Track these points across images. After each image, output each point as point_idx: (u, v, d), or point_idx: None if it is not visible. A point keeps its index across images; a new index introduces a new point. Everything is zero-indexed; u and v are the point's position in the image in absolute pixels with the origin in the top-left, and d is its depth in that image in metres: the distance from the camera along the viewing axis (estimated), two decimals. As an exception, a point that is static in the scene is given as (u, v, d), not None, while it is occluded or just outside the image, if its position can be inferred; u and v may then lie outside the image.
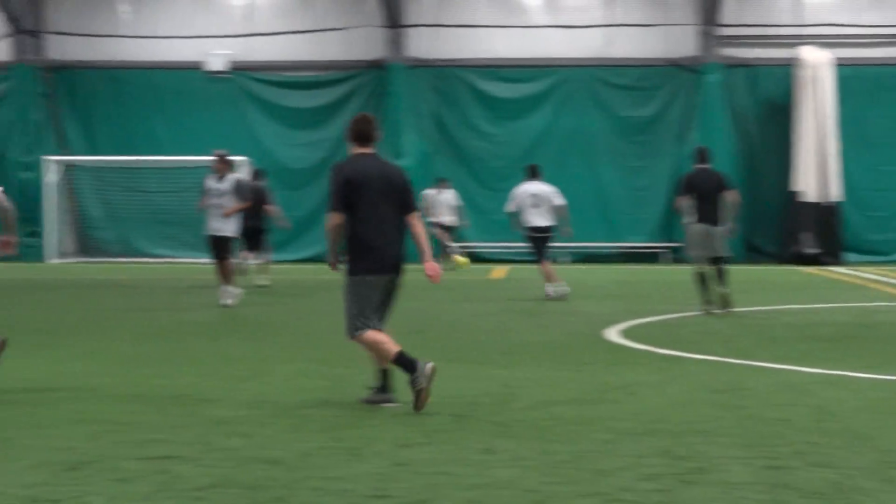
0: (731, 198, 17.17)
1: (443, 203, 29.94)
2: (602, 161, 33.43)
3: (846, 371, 11.47)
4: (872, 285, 23.21)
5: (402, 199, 9.53)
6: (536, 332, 15.22)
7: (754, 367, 11.77)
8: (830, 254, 32.02)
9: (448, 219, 29.90)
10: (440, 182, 30.46)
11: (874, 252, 32.91)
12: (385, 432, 8.42)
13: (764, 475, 7.16)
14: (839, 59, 32.57)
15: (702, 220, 17.19)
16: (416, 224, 9.63)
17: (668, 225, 32.63)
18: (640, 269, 30.32)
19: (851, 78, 32.89)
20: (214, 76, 34.61)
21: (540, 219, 20.17)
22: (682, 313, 17.46)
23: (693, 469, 7.31)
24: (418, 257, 9.65)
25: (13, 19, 34.95)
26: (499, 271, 29.02)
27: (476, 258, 31.41)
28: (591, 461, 7.53)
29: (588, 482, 7.00)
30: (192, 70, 34.64)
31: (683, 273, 22.06)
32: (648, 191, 33.42)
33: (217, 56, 34.56)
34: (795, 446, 7.97)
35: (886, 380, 11.03)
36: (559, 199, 20.29)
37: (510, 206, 20.54)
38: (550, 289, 19.98)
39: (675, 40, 33.71)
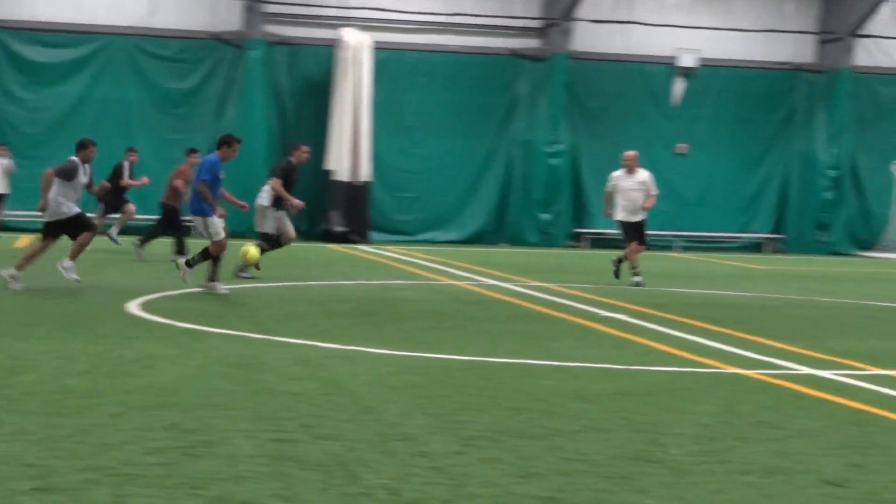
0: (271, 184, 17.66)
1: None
2: (139, 132, 32.83)
3: (361, 346, 11.79)
4: (394, 264, 23.96)
5: None
6: (55, 303, 14.81)
7: (273, 342, 11.91)
8: (358, 232, 32.80)
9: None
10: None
11: (400, 232, 34.00)
12: None
13: (269, 448, 7.25)
14: (378, 42, 33.38)
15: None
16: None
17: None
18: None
19: (389, 61, 33.81)
20: None
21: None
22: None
23: (199, 442, 7.31)
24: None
25: None
26: (23, 240, 28.08)
27: (4, 227, 30.24)
28: (97, 435, 7.40)
29: (91, 456, 6.87)
30: None
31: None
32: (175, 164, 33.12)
33: None
34: (303, 419, 8.12)
35: (397, 355, 11.41)
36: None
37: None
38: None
39: (220, 14, 33.55)
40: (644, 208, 20.59)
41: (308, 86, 33.94)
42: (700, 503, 6.36)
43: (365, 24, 33.73)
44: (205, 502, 6.05)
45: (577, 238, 35.09)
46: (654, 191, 20.64)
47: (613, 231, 34.82)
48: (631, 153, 21.12)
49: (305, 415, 8.28)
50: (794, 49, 36.26)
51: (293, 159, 19.36)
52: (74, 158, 16.89)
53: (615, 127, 35.20)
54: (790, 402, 9.57)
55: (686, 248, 35.09)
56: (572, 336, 13.48)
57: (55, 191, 16.52)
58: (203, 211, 16.77)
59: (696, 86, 35.63)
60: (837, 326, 15.63)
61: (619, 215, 20.72)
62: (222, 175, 17.02)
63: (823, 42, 36.15)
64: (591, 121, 35.22)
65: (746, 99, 35.80)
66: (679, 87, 35.67)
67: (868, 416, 9.04)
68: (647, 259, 29.64)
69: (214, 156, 16.98)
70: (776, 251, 35.81)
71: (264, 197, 19.12)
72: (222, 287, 16.75)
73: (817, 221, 35.78)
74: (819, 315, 17.06)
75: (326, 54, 33.39)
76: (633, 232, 20.68)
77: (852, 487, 6.84)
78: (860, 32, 35.81)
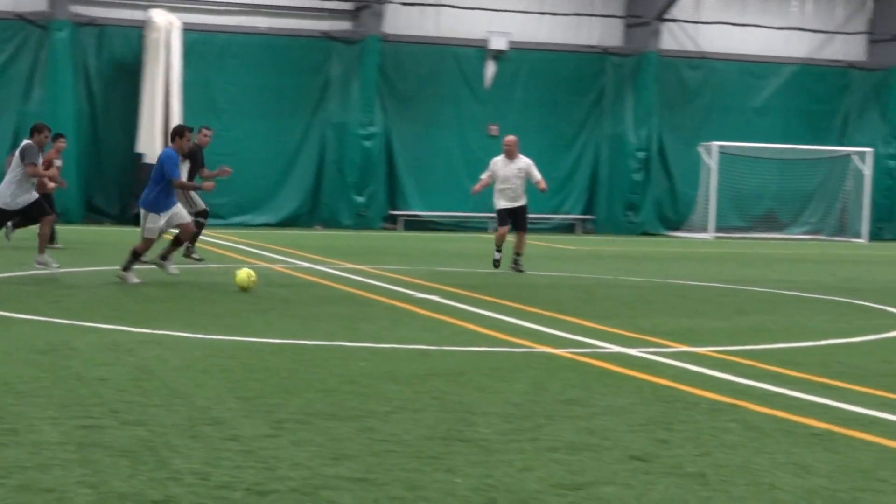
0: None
1: None
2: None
3: (171, 331, 11.64)
4: (207, 247, 23.62)
5: None
6: None
7: (82, 328, 11.68)
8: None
9: None
10: None
11: (213, 215, 33.43)
12: None
13: (76, 435, 7.11)
14: (188, 24, 32.94)
15: None
16: None
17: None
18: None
19: (198, 43, 33.39)
20: None
21: None
22: (13, 272, 17.05)
23: (4, 430, 7.13)
24: None
25: None
26: None
27: None
28: None
29: None
30: None
31: (24, 233, 21.52)
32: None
33: None
34: (111, 405, 7.98)
35: (208, 339, 11.31)
36: None
37: None
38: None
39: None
40: (542, 190, 20.41)
41: (117, 67, 33.34)
42: (508, 481, 6.43)
43: (174, 5, 33.26)
44: (7, 491, 5.90)
45: (392, 220, 35.17)
46: (538, 175, 20.11)
47: (428, 213, 35.10)
48: (511, 138, 20.51)
49: (114, 400, 8.15)
50: (603, 33, 36.87)
51: (196, 142, 19.77)
52: (31, 143, 16.94)
53: (428, 109, 35.38)
54: (599, 380, 9.73)
55: (499, 230, 35.43)
56: (386, 318, 13.51)
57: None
58: (157, 207, 16.21)
59: (508, 69, 35.98)
60: (646, 305, 15.96)
61: (501, 203, 20.12)
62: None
63: (630, 26, 36.83)
64: (405, 103, 35.32)
65: (557, 82, 36.28)
66: (491, 69, 35.98)
67: (674, 393, 9.25)
68: (463, 241, 29.89)
69: (170, 149, 16.61)
70: (587, 232, 36.43)
71: None
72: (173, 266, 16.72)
73: (627, 202, 36.49)
74: (628, 294, 17.40)
75: (135, 35, 32.85)
76: (517, 219, 20.15)
77: (657, 462, 6.99)
78: (666, 17, 36.57)
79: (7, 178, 16.94)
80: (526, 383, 9.41)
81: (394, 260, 22.18)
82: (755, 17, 37.45)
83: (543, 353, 11.19)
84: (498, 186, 20.12)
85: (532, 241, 30.34)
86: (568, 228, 36.67)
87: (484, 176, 20.46)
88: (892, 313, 15.53)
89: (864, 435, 7.88)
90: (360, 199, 34.39)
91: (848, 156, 37.79)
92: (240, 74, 34.14)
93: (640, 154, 36.47)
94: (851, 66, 38.57)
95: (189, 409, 7.97)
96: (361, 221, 34.31)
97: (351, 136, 34.37)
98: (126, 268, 16.15)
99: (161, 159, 16.45)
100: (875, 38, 38.46)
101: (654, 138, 36.72)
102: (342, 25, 34.98)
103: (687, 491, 6.37)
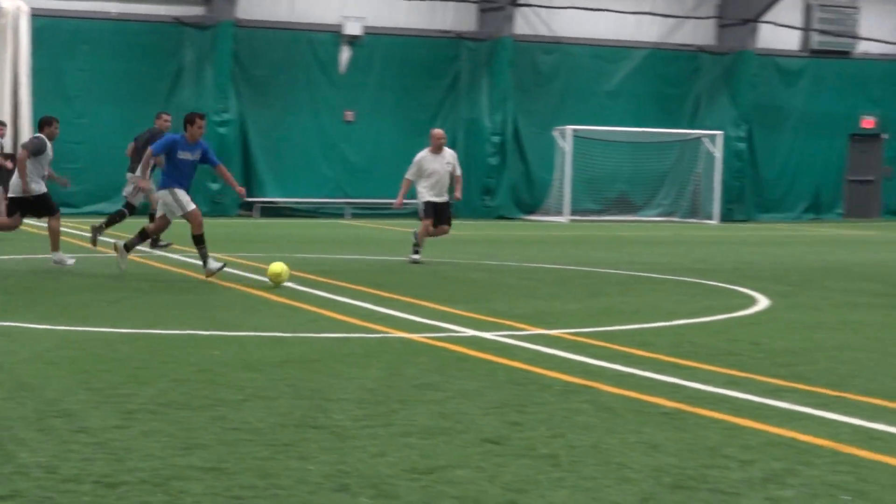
0: None
1: None
2: None
3: (18, 322, 11.42)
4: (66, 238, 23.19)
5: None
6: None
7: (-74, 321, 11.41)
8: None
9: None
10: None
11: (65, 203, 32.93)
12: None
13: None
14: (36, 9, 32.29)
15: None
16: None
17: None
18: None
19: (47, 29, 32.75)
20: None
21: None
22: None
23: None
24: None
25: None
26: None
27: None
28: None
29: None
30: None
31: None
32: None
33: None
34: (-45, 400, 7.81)
35: (57, 330, 11.12)
36: None
37: None
38: None
39: None
40: (457, 197, 20.05)
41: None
42: (361, 466, 6.42)
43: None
44: None
45: (248, 207, 34.90)
46: (459, 171, 19.83)
47: (284, 199, 34.91)
48: (441, 131, 20.24)
49: (-43, 395, 7.97)
50: (457, 18, 36.97)
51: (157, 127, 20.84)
52: (41, 135, 16.97)
53: (283, 95, 35.16)
54: (454, 364, 9.78)
55: (355, 216, 35.39)
56: (240, 305, 13.41)
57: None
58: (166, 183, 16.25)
59: (362, 54, 35.90)
60: (501, 288, 16.06)
61: (427, 196, 19.63)
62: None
63: (484, 11, 36.99)
64: (259, 89, 35.05)
65: (412, 67, 36.30)
66: (346, 55, 35.87)
67: (527, 375, 9.33)
68: (319, 227, 29.83)
69: (179, 135, 16.64)
70: (445, 216, 36.50)
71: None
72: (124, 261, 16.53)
73: (483, 186, 36.66)
74: (484, 278, 17.50)
75: (-18, 21, 32.09)
76: (441, 214, 19.74)
77: (510, 444, 7.04)
78: (520, 2, 36.80)
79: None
80: (381, 369, 9.42)
81: (250, 247, 22.02)
82: (607, 2, 37.82)
83: (399, 338, 11.21)
84: (424, 183, 19.60)
85: (388, 226, 30.36)
86: (425, 213, 36.70)
87: (409, 176, 19.80)
88: (741, 293, 15.84)
89: (712, 413, 8.03)
90: (215, 187, 34.03)
91: (699, 139, 38.43)
92: (91, 61, 33.56)
93: (496, 138, 36.67)
94: (701, 49, 39.22)
95: (37, 402, 7.83)
96: (217, 209, 33.96)
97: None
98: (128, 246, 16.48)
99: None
100: (724, 23, 39.14)
101: (509, 123, 36.95)
102: (195, 11, 34.58)
103: (539, 472, 6.42)
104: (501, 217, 36.65)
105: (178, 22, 34.19)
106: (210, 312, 12.64)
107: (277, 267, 15.24)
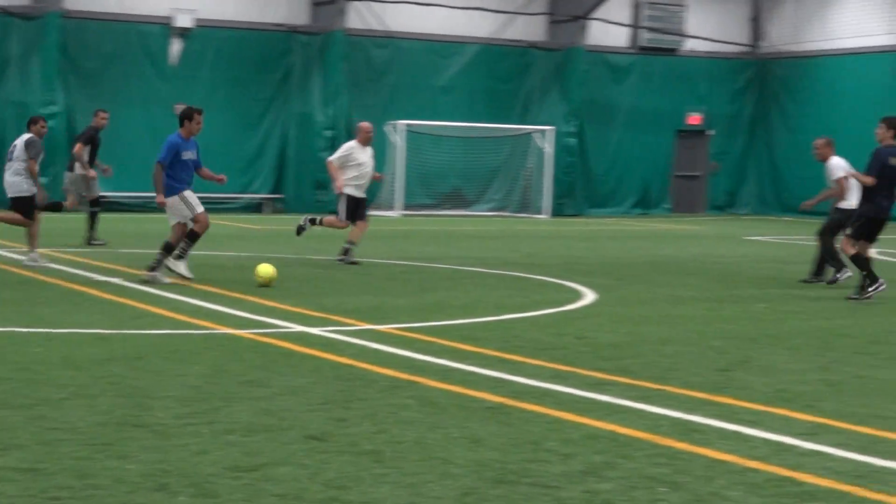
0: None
1: None
2: None
3: None
4: None
5: None
6: None
7: None
8: None
9: None
10: None
11: None
12: None
13: None
14: None
15: None
16: None
17: None
18: None
19: None
20: None
21: None
22: None
23: None
24: None
25: None
26: None
27: None
28: None
29: None
30: None
31: None
32: None
33: None
34: None
35: None
36: None
37: None
38: None
39: None
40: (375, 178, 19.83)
41: None
42: (182, 465, 6.35)
43: None
44: None
45: (76, 202, 34.19)
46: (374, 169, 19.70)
47: (113, 193, 34.34)
48: (370, 125, 19.97)
49: None
50: (290, 11, 36.75)
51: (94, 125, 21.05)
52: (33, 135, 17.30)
53: (113, 88, 34.52)
54: (280, 361, 9.73)
55: (187, 210, 34.93)
56: (64, 302, 13.16)
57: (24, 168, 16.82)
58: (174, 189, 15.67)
59: (194, 46, 35.45)
60: (331, 284, 16.02)
61: (350, 189, 19.26)
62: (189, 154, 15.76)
63: (317, 4, 36.85)
64: (88, 81, 34.37)
65: (243, 60, 35.96)
66: (176, 47, 35.40)
67: (354, 371, 9.32)
68: (147, 222, 29.42)
69: (176, 135, 15.76)
70: (276, 211, 36.30)
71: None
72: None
73: (316, 181, 36.49)
74: (314, 273, 17.44)
75: None
76: (357, 209, 19.40)
77: (334, 440, 7.03)
78: (353, -4, 36.76)
79: (13, 169, 16.99)
80: (206, 366, 9.33)
81: (76, 242, 21.60)
82: (440, -3, 37.99)
83: (225, 334, 11.11)
84: (348, 174, 19.23)
85: (220, 220, 30.08)
86: (256, 208, 36.44)
87: (336, 162, 19.46)
88: (569, 287, 16.05)
89: (536, 407, 8.13)
90: (43, 180, 33.25)
91: (530, 134, 38.81)
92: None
93: (328, 133, 36.52)
94: (533, 45, 39.58)
95: None
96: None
97: (32, 115, 33.20)
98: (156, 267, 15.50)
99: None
100: (555, 19, 39.57)
101: (342, 117, 36.83)
102: (21, 1, 33.80)
103: (361, 468, 6.43)
104: (333, 212, 36.40)
105: (4, 12, 33.37)
106: (31, 309, 12.38)
107: (267, 271, 15.11)
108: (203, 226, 15.54)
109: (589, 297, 14.98)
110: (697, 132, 41.79)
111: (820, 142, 17.73)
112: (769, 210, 41.50)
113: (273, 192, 36.78)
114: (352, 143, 19.62)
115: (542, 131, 38.51)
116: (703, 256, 22.53)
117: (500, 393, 8.56)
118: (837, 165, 17.33)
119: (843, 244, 15.72)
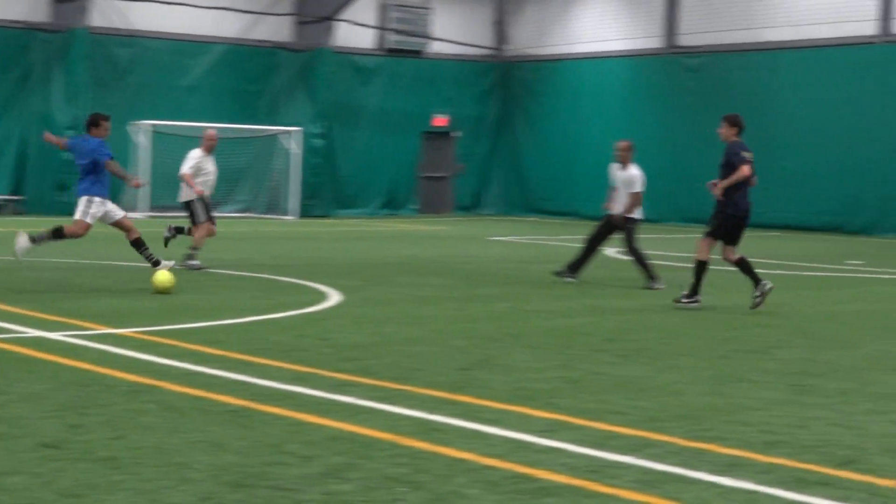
0: None
1: None
2: None
3: None
4: None
5: None
6: None
7: None
8: None
9: None
10: None
11: None
12: None
13: None
14: None
15: None
16: None
17: None
18: None
19: None
20: None
21: None
22: None
23: None
24: None
25: None
26: None
27: None
28: None
29: None
30: None
31: None
32: None
33: None
34: None
35: None
36: None
37: None
38: None
39: None
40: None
41: None
42: None
43: None
44: None
45: None
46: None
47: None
48: (215, 132, 20.12)
49: None
50: (30, 8, 35.75)
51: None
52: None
53: None
54: (16, 367, 9.46)
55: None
56: None
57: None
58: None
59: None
60: (72, 287, 15.68)
61: (188, 195, 19.33)
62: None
63: (59, 1, 35.95)
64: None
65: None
66: None
67: (92, 376, 9.14)
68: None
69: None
70: (17, 212, 35.27)
71: None
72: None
73: (56, 182, 35.61)
74: (53, 277, 17.03)
75: None
76: (208, 213, 19.36)
77: (69, 448, 6.88)
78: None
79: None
80: (-65, 374, 9.01)
81: None
82: (188, -4, 37.52)
83: (-43, 340, 10.75)
84: (197, 180, 19.42)
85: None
86: (-4, 210, 35.39)
87: (190, 172, 19.61)
88: (314, 289, 16.05)
89: (278, 409, 8.11)
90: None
91: (277, 135, 38.67)
92: None
93: (70, 132, 35.58)
94: (280, 46, 39.44)
95: None
96: None
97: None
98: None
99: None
100: (302, 20, 39.51)
101: (84, 117, 35.86)
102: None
103: (97, 476, 6.31)
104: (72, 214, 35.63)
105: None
106: None
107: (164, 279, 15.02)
108: (71, 231, 16.57)
109: (334, 298, 15.02)
110: (443, 134, 42.30)
111: (623, 144, 17.77)
112: (514, 210, 42.31)
113: (13, 194, 35.72)
114: (198, 152, 19.92)
115: (290, 132, 38.43)
116: (449, 257, 22.83)
117: (242, 396, 8.51)
118: (638, 178, 17.38)
119: (724, 252, 15.08)
